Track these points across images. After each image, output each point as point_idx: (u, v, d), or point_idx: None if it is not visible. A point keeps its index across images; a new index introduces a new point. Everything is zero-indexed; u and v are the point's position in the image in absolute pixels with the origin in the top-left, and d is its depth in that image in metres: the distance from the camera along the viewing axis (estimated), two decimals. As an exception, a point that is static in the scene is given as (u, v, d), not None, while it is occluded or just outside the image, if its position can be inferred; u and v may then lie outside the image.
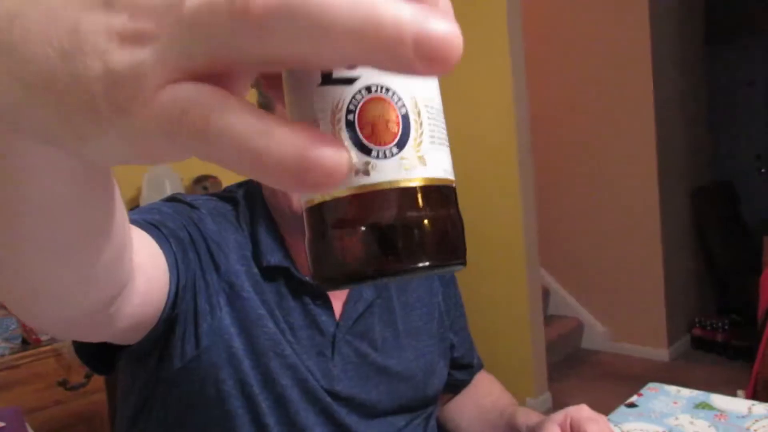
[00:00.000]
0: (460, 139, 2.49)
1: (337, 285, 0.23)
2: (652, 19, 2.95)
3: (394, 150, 0.22)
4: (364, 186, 0.21)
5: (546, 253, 3.08)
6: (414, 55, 0.16)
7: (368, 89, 0.22)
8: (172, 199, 0.70)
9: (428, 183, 0.22)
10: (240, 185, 0.76)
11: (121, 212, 0.33)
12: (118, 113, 0.18)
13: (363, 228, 0.22)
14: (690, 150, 3.34)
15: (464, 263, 0.24)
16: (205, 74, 0.18)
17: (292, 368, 0.67)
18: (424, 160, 0.22)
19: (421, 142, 0.22)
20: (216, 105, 0.17)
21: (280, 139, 0.17)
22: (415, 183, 0.22)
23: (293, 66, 0.18)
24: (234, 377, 0.64)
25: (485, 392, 0.93)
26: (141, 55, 0.18)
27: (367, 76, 0.22)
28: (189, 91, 0.17)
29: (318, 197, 0.22)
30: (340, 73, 0.22)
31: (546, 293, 3.36)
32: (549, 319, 3.26)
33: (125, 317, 0.46)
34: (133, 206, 2.06)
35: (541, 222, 2.69)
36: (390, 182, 0.22)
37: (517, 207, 2.51)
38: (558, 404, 2.69)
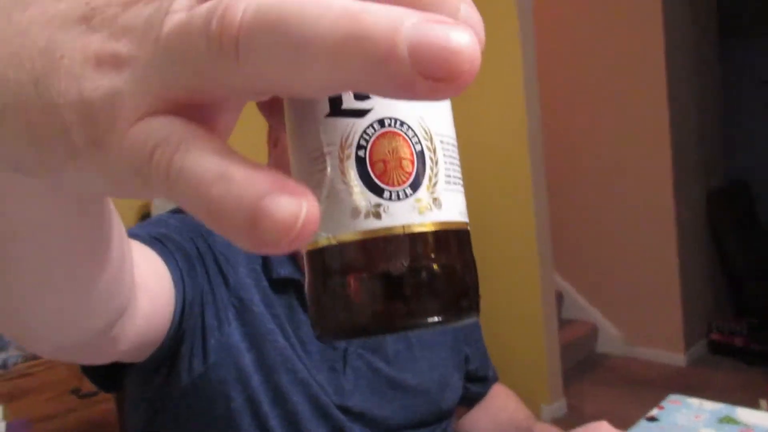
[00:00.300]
0: (471, 141, 2.46)
1: (338, 338, 0.21)
2: (665, 19, 2.91)
3: (408, 191, 0.20)
4: (375, 230, 0.19)
5: (559, 257, 3.04)
6: (413, 72, 0.13)
7: (381, 122, 0.20)
8: (180, 210, 0.69)
9: (444, 228, 0.20)
10: None
11: (118, 233, 0.32)
12: (93, 146, 0.16)
13: (371, 277, 0.20)
14: (705, 150, 3.29)
15: (478, 314, 0.22)
16: (189, 104, 0.16)
17: (303, 384, 0.66)
18: (439, 202, 0.20)
19: (436, 182, 0.20)
20: (182, 143, 0.15)
21: (236, 186, 0.15)
22: (430, 228, 0.20)
23: (280, 94, 0.16)
24: (243, 394, 0.63)
25: (501, 406, 0.91)
26: (118, 81, 0.16)
27: (380, 107, 0.20)
28: (162, 126, 0.16)
29: (322, 240, 0.20)
30: (350, 103, 0.20)
31: (560, 297, 3.32)
32: (563, 323, 3.22)
33: (128, 339, 0.44)
34: (144, 212, 2.05)
35: (554, 225, 2.65)
36: (403, 227, 0.19)
37: (530, 210, 2.48)
38: (573, 410, 2.66)
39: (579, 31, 3.18)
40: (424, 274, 0.20)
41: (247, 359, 0.63)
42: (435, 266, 0.20)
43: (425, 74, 0.14)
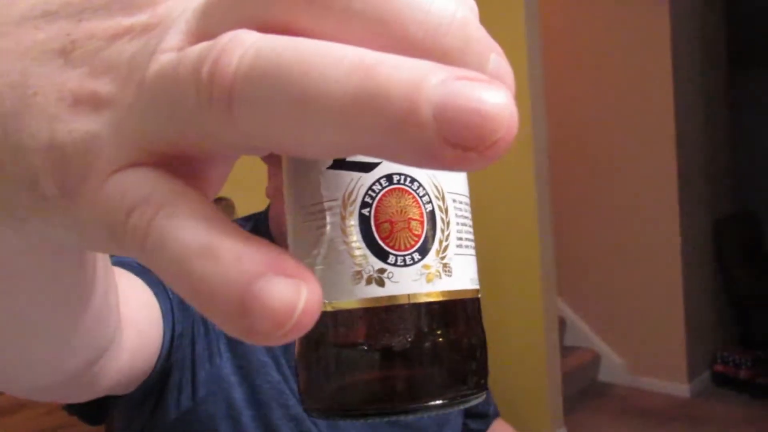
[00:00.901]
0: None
1: (328, 416, 0.19)
2: (673, 49, 2.91)
3: (416, 256, 0.17)
4: (377, 299, 0.17)
5: (563, 283, 3.01)
6: (438, 139, 0.11)
7: (389, 178, 0.18)
8: None
9: (453, 297, 0.18)
10: (248, 219, 0.73)
11: (103, 271, 0.30)
12: (62, 197, 0.14)
13: (370, 351, 0.17)
14: (712, 179, 3.27)
15: (485, 393, 0.19)
16: (175, 155, 0.14)
17: (296, 420, 0.63)
18: (449, 268, 0.18)
19: (447, 246, 0.18)
20: (164, 206, 0.13)
21: (223, 264, 0.12)
22: (438, 298, 0.18)
23: (278, 153, 0.14)
24: (233, 430, 0.60)
25: (501, 444, 0.88)
26: (96, 125, 0.14)
27: (389, 162, 0.18)
28: (142, 182, 0.14)
29: None
30: (355, 155, 0.18)
31: (562, 323, 3.28)
32: (565, 351, 3.18)
33: (111, 376, 0.42)
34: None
35: (558, 250, 2.63)
36: (408, 296, 0.17)
37: (534, 234, 2.46)
38: (573, 440, 2.61)
39: (588, 61, 3.19)
40: (429, 351, 0.17)
41: (238, 394, 0.61)
42: (442, 342, 0.18)
43: (453, 142, 0.11)
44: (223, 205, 1.99)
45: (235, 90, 0.12)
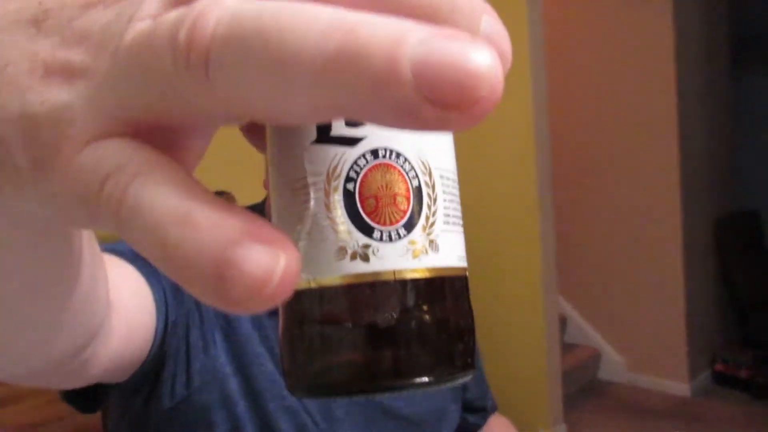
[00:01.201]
0: (477, 159, 2.44)
1: (312, 395, 0.18)
2: (677, 46, 2.90)
3: (402, 231, 0.17)
4: (362, 275, 0.17)
5: (565, 281, 3.01)
6: (418, 97, 0.11)
7: (374, 153, 0.17)
8: None
9: (440, 274, 0.18)
10: None
11: (90, 254, 0.29)
12: (35, 169, 0.14)
13: (354, 328, 0.17)
14: (714, 178, 3.27)
15: (473, 372, 0.19)
16: (151, 126, 0.14)
17: (291, 411, 0.63)
18: (436, 245, 0.18)
19: (434, 222, 0.18)
20: (139, 174, 0.13)
21: (199, 231, 0.12)
22: (425, 274, 0.17)
23: (258, 120, 0.14)
24: (228, 421, 0.60)
25: (499, 439, 0.88)
26: (68, 95, 0.14)
27: (374, 136, 0.17)
28: (116, 152, 0.13)
29: (301, 282, 0.17)
30: (340, 130, 0.17)
31: (563, 321, 3.28)
32: (565, 348, 3.18)
33: (102, 362, 0.42)
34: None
35: (559, 247, 2.62)
36: (394, 272, 0.17)
37: (535, 232, 2.46)
38: (573, 437, 2.61)
39: (590, 63, 3.18)
40: (415, 328, 0.17)
41: (233, 384, 0.61)
42: (428, 319, 0.17)
43: (433, 100, 0.11)
44: (224, 198, 1.99)
45: (212, 54, 0.12)
